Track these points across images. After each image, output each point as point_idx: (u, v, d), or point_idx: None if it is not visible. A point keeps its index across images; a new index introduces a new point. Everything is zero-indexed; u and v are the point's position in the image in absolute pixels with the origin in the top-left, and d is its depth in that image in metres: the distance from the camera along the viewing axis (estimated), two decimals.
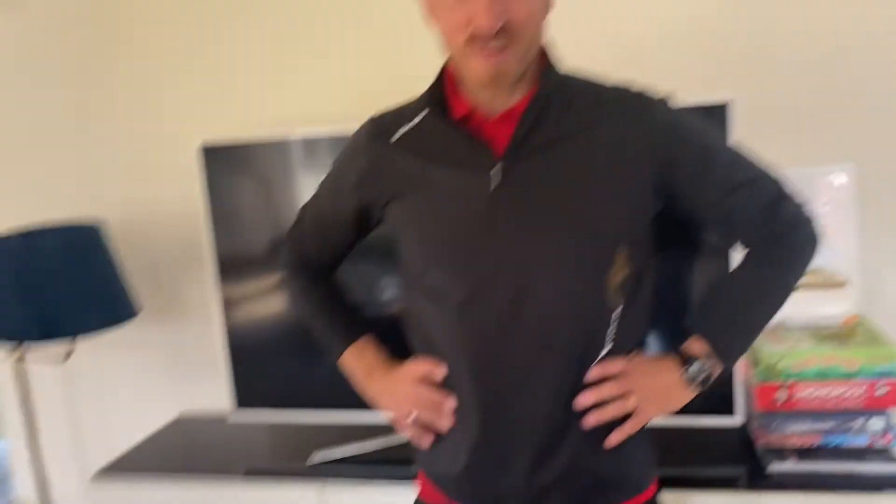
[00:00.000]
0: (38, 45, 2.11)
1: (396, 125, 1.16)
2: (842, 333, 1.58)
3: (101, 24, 2.07)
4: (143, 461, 1.88)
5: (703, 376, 1.12)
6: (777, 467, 1.49)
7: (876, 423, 1.48)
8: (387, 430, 1.64)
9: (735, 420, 1.57)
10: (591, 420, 1.11)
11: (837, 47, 1.71)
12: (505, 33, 1.00)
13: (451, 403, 1.16)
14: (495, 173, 1.07)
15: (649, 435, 1.20)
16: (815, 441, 1.51)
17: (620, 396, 1.12)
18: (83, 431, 2.27)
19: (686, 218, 1.16)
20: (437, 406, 1.17)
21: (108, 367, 2.21)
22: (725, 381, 1.54)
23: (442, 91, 1.13)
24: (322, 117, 1.88)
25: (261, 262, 1.79)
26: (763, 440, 1.54)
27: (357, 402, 1.33)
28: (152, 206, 2.11)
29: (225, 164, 1.77)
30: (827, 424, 1.49)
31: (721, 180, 1.11)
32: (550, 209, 1.08)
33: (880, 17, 1.68)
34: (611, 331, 1.11)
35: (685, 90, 1.60)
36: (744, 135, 1.53)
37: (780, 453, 1.51)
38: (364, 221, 1.24)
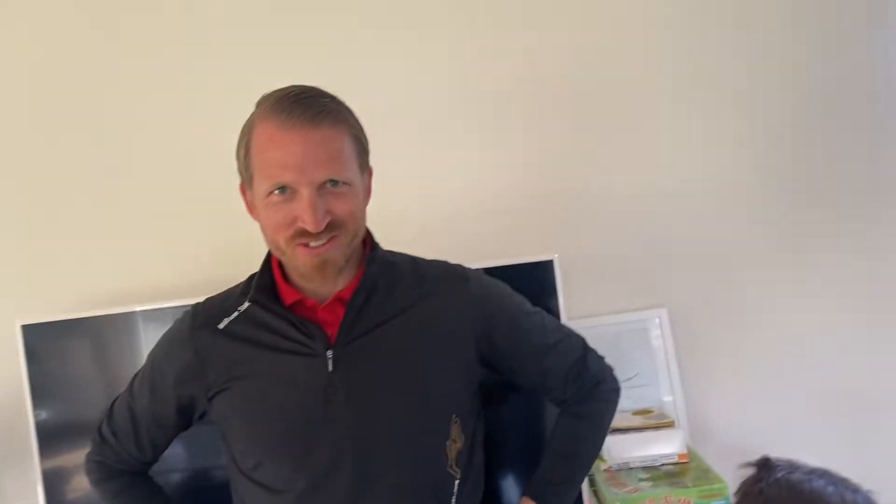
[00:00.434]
0: None
1: (222, 314, 1.15)
2: (676, 471, 1.67)
3: None
4: None
5: None
6: None
7: None
8: None
9: None
10: None
11: (642, 204, 1.91)
12: (329, 229, 1.04)
13: None
14: (330, 357, 1.09)
15: None
16: None
17: None
18: None
19: (506, 380, 1.24)
20: None
21: None
22: None
23: (271, 278, 1.14)
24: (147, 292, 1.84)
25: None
26: None
27: None
28: None
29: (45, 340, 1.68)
30: None
31: (536, 344, 1.21)
32: (384, 388, 1.10)
33: (679, 177, 1.90)
34: (453, 502, 1.13)
35: (515, 251, 1.75)
36: (567, 286, 1.67)
37: None
38: (186, 417, 1.19)
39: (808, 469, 1.00)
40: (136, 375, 1.23)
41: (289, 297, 1.12)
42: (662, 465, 1.69)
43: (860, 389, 1.89)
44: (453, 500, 1.13)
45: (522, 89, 1.89)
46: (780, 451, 1.79)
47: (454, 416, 1.14)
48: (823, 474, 0.99)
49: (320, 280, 1.09)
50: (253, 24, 1.85)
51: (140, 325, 1.70)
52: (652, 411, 1.79)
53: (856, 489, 0.97)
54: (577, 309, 1.79)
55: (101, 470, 1.25)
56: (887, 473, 1.86)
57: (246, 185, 1.10)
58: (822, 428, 1.88)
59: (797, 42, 1.89)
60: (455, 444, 1.13)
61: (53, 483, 1.69)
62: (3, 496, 1.93)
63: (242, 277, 1.20)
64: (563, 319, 1.64)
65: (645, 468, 1.68)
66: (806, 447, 1.84)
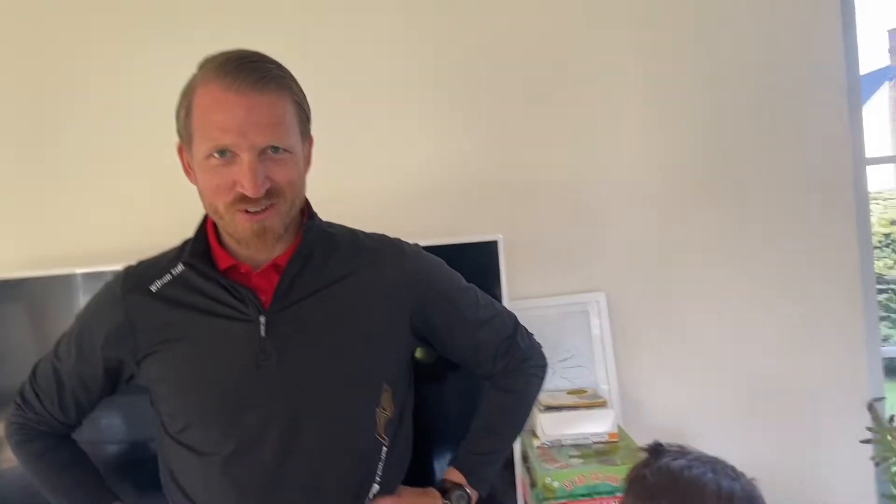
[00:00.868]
0: None
1: (154, 276, 1.15)
2: (606, 450, 1.72)
3: None
4: None
5: (463, 502, 1.22)
6: None
7: None
8: None
9: None
10: None
11: (585, 191, 1.96)
12: (268, 195, 1.04)
13: None
14: (263, 323, 1.10)
15: None
16: None
17: None
18: None
19: (440, 353, 1.27)
20: None
21: None
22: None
23: (206, 243, 1.14)
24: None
25: None
26: None
27: None
28: None
29: None
30: None
31: (469, 320, 1.24)
32: (317, 354, 1.11)
33: (621, 167, 1.96)
34: (380, 469, 1.16)
35: (462, 231, 1.78)
36: (510, 268, 1.70)
37: None
38: (112, 380, 1.18)
39: (694, 456, 1.01)
40: (62, 336, 1.21)
41: (223, 262, 1.12)
42: (593, 443, 1.73)
43: (785, 376, 1.97)
44: (380, 466, 1.15)
45: (473, 76, 1.92)
46: (704, 434, 1.88)
47: (385, 384, 1.16)
48: (707, 461, 0.99)
49: (258, 247, 1.09)
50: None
51: (81, 289, 1.67)
52: (586, 391, 1.84)
53: (735, 477, 0.97)
54: (519, 290, 1.83)
55: (22, 432, 1.23)
56: (810, 458, 1.95)
57: (185, 146, 1.09)
58: (747, 413, 1.96)
59: (735, 37, 1.95)
60: (384, 412, 1.15)
61: None
62: None
63: None
64: (506, 300, 1.68)
65: (576, 446, 1.73)
66: (730, 432, 1.93)
